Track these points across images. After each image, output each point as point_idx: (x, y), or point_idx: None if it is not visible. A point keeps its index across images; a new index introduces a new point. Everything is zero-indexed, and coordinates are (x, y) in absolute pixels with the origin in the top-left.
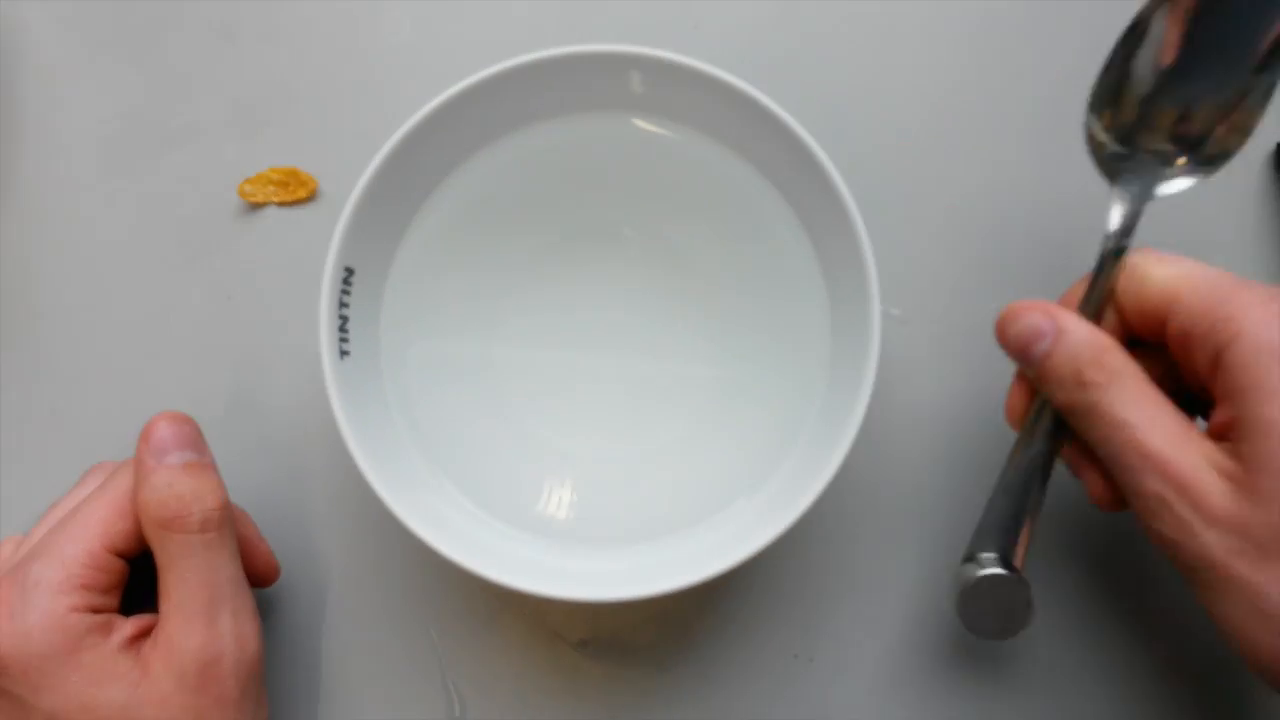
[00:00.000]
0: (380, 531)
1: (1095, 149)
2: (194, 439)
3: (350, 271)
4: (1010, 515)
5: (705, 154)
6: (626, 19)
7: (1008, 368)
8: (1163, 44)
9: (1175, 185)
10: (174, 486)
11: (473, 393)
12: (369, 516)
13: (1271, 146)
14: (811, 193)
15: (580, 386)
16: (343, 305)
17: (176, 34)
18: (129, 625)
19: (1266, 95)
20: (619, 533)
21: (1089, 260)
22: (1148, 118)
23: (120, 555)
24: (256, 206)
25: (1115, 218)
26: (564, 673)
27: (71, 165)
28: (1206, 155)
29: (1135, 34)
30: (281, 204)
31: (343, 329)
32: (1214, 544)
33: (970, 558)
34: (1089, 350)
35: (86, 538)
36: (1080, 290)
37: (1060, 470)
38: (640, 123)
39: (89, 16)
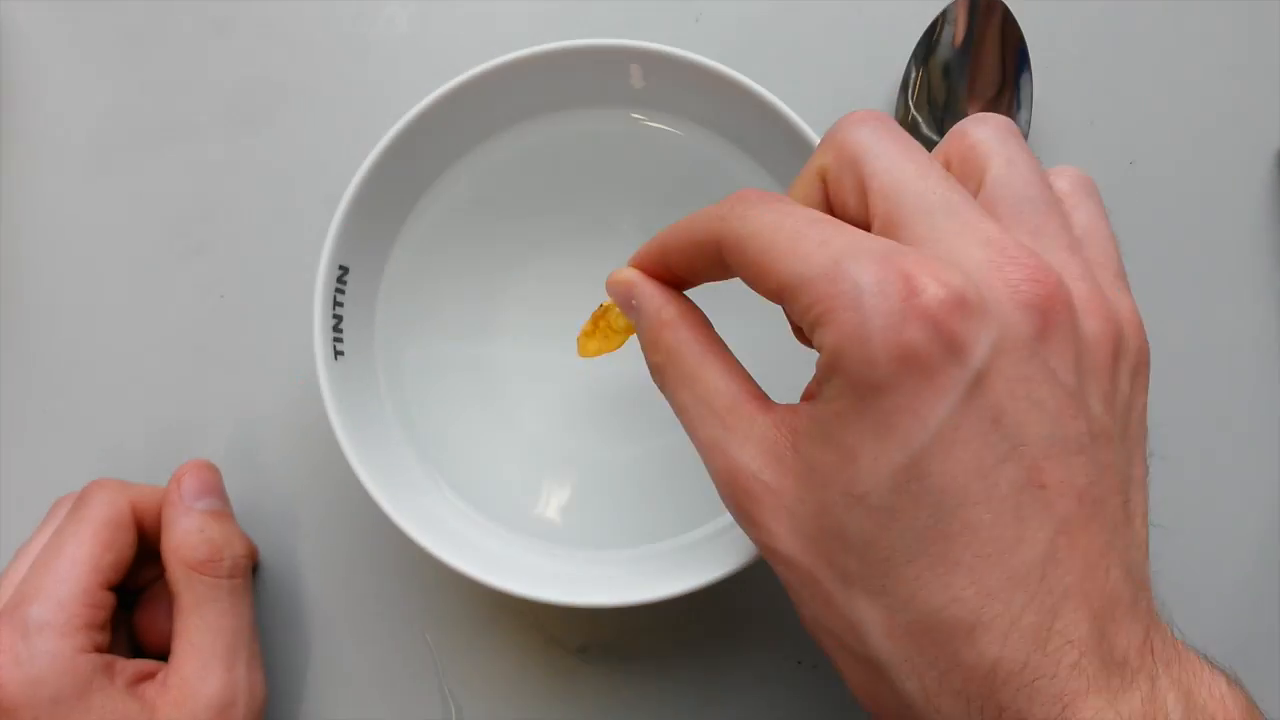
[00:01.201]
0: (375, 535)
1: None
2: (220, 487)
3: (345, 270)
4: None
5: (706, 149)
6: (626, 13)
7: None
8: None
9: None
10: (206, 531)
11: (469, 393)
12: (364, 520)
13: (1276, 146)
14: None
15: (579, 387)
16: (337, 305)
17: (170, 31)
18: (130, 667)
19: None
20: (618, 537)
21: None
22: (951, 99)
23: (109, 589)
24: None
25: None
26: (562, 679)
27: (64, 163)
28: None
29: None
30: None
31: (337, 329)
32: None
33: None
34: (649, 329)
35: (77, 575)
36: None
37: None
38: (640, 118)
39: (81, 13)
